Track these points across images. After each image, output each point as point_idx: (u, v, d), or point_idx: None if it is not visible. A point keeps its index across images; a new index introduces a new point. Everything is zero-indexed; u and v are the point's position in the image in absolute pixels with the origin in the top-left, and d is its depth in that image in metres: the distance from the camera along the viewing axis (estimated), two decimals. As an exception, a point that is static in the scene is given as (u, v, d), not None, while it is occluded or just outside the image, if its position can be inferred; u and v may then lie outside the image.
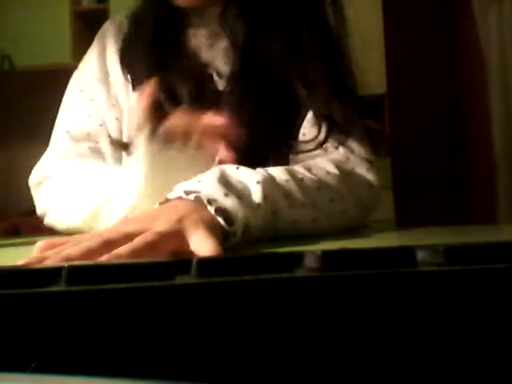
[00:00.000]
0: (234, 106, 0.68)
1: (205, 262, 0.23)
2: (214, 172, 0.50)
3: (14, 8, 2.59)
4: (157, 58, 0.72)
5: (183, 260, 0.23)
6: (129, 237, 0.38)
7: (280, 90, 0.70)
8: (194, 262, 0.23)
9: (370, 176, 0.67)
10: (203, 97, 0.70)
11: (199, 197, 0.45)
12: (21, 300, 0.21)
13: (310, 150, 0.68)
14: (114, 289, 0.21)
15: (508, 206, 2.23)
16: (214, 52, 0.73)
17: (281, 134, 0.71)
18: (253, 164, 0.55)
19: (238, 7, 0.70)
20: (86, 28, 2.57)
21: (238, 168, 0.51)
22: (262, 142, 0.67)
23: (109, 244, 0.37)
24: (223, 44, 0.72)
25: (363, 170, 0.67)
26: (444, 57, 2.68)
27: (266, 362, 0.21)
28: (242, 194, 0.48)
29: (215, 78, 0.72)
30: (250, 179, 0.51)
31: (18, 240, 0.76)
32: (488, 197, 2.32)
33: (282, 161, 0.67)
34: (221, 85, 0.71)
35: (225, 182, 0.49)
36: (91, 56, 0.79)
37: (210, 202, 0.45)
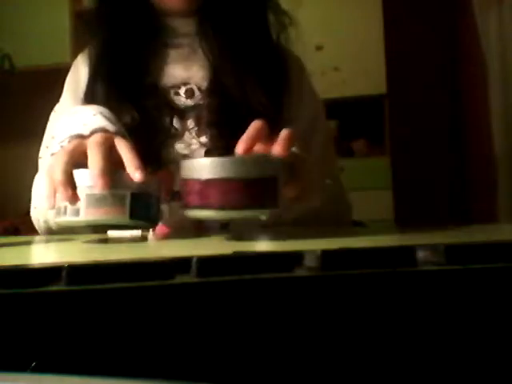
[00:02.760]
0: (212, 117, 0.74)
1: (205, 262, 0.23)
2: None
3: (14, 8, 2.58)
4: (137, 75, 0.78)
5: (183, 259, 0.23)
6: None
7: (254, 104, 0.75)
8: (194, 261, 0.23)
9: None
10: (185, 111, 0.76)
11: None
12: (21, 300, 0.21)
13: None
14: (114, 288, 0.21)
15: (508, 206, 2.23)
16: (191, 67, 0.78)
17: None
18: None
19: (211, 20, 0.77)
20: (86, 28, 2.56)
21: None
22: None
23: None
24: (199, 58, 0.78)
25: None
26: (444, 57, 2.67)
27: (266, 361, 0.21)
28: None
29: (196, 92, 0.77)
30: None
31: (18, 240, 0.76)
32: (488, 197, 2.32)
33: None
34: (200, 98, 0.76)
35: None
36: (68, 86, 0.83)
37: None
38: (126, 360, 0.21)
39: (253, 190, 0.43)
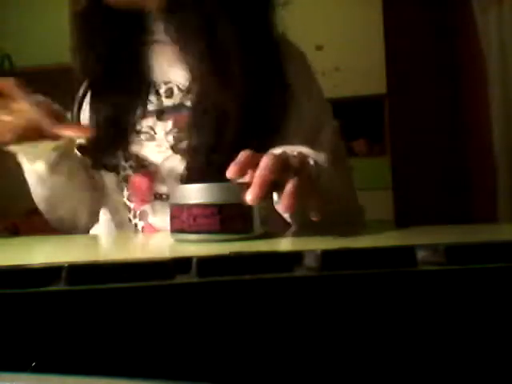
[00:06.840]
0: (196, 118, 0.70)
1: (205, 262, 0.23)
2: None
3: (14, 8, 2.59)
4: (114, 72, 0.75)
5: (183, 259, 0.23)
6: None
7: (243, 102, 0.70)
8: (194, 261, 0.23)
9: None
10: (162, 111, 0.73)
11: None
12: (21, 300, 0.21)
13: None
14: (114, 288, 0.21)
15: (508, 206, 2.23)
16: (172, 66, 0.74)
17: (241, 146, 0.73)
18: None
19: (178, 17, 0.71)
20: (86, 28, 2.57)
21: None
22: (226, 152, 0.68)
23: None
24: (180, 57, 0.73)
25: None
26: (444, 57, 2.68)
27: (266, 361, 0.21)
28: None
29: (175, 92, 0.73)
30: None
31: (18, 239, 0.76)
32: (488, 197, 2.32)
33: None
34: (180, 98, 0.73)
35: None
36: None
37: None
38: (126, 360, 0.21)
39: (227, 215, 0.45)
